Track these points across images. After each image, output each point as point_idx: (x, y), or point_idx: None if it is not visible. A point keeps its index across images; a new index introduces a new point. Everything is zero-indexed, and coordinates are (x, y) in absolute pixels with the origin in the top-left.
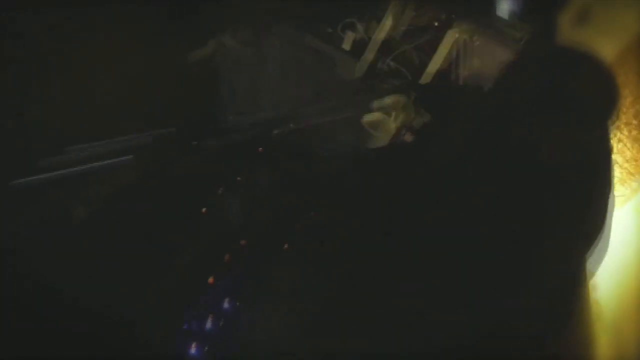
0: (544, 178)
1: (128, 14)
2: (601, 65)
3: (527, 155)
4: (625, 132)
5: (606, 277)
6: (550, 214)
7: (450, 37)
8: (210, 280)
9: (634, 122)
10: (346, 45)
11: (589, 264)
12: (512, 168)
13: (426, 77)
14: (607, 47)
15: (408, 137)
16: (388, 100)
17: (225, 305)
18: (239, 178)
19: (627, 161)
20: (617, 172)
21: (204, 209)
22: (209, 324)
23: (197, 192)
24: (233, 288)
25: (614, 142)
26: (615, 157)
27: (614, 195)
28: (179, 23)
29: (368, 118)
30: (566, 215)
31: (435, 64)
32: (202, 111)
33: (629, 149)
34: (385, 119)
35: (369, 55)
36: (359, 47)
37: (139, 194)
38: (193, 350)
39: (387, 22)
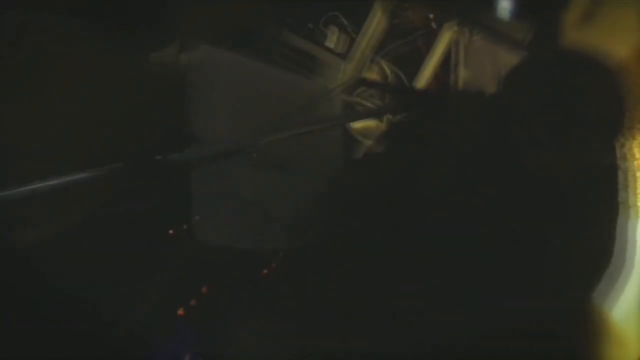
0: (547, 193)
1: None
2: (611, 69)
3: (530, 169)
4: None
5: (627, 290)
6: (553, 237)
7: (447, 37)
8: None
9: None
10: (330, 43)
11: (602, 287)
12: (513, 183)
13: (421, 79)
14: (615, 48)
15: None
16: (359, 125)
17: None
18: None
19: None
20: (633, 182)
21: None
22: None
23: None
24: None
25: (630, 150)
26: (628, 165)
27: (629, 207)
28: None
29: (357, 126)
30: (570, 240)
31: (430, 65)
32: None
33: None
34: (377, 125)
35: (357, 53)
36: (345, 45)
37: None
38: None
39: (377, 16)
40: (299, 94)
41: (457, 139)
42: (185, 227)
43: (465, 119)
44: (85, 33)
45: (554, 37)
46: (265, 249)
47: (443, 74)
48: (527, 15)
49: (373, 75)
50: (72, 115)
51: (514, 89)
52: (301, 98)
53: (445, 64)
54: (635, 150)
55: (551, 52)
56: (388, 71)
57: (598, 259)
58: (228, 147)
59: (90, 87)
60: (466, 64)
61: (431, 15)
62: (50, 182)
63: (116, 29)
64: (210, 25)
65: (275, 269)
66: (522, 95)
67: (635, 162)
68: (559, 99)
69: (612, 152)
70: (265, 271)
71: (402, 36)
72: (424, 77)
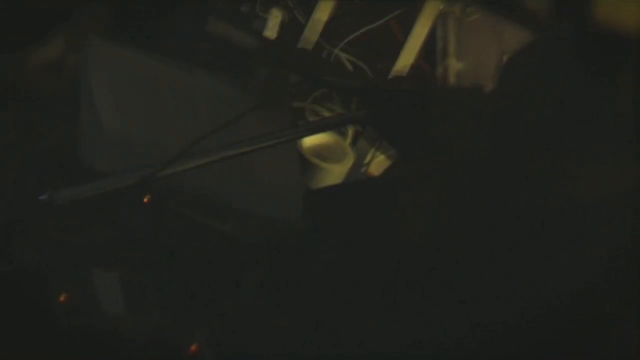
0: (567, 220)
1: None
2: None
3: (545, 188)
4: None
5: None
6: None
7: (431, 13)
8: None
9: None
10: (271, 32)
11: None
12: (520, 212)
13: (396, 73)
14: None
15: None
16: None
17: None
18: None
19: None
20: None
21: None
22: None
23: None
24: None
25: None
26: None
27: None
28: None
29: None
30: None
31: (408, 55)
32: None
33: None
34: (340, 143)
35: (307, 44)
36: (291, 34)
37: None
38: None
39: None
40: (227, 103)
41: (447, 155)
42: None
43: (458, 127)
44: None
45: (583, 10)
46: None
47: (427, 67)
48: None
49: (331, 71)
50: None
51: (524, 85)
52: (229, 108)
53: (430, 53)
54: None
55: (578, 32)
56: (350, 66)
57: None
58: (118, 181)
59: None
60: (458, 53)
61: None
62: None
63: None
64: (108, 14)
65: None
66: (536, 93)
67: None
68: (587, 98)
69: None
70: None
71: (369, 18)
72: (401, 72)
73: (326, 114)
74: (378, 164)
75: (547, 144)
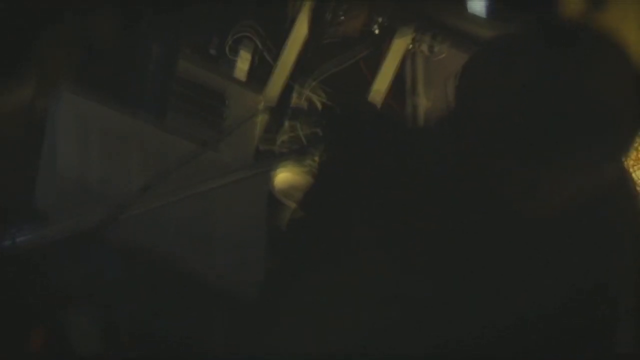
0: (544, 237)
1: None
2: (628, 56)
3: (515, 211)
4: None
5: None
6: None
7: (399, 51)
8: None
9: None
10: (240, 74)
11: None
12: (492, 230)
13: (365, 108)
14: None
15: None
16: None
17: None
18: None
19: None
20: None
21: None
22: None
23: None
24: None
25: None
26: None
27: None
28: None
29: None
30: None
31: (377, 92)
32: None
33: None
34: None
35: (277, 85)
36: (260, 74)
37: None
38: None
39: (300, 32)
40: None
41: (416, 192)
42: None
43: (428, 166)
44: None
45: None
46: None
47: (396, 103)
48: (513, 11)
49: (300, 109)
50: None
51: (487, 89)
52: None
53: (399, 88)
54: None
55: (546, 29)
56: (319, 103)
57: None
58: (78, 226)
59: None
60: (427, 91)
61: (376, 24)
62: None
63: None
64: (78, 62)
65: None
66: (500, 97)
67: None
68: (558, 101)
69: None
70: None
71: (338, 58)
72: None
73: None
74: None
75: (514, 151)
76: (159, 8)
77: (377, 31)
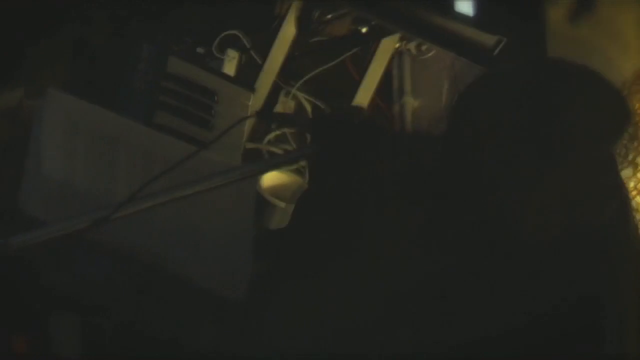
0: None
1: None
2: (609, 86)
3: (501, 230)
4: None
5: None
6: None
7: (387, 51)
8: None
9: None
10: (229, 69)
11: None
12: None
13: (352, 113)
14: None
15: None
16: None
17: None
18: None
19: None
20: None
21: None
22: None
23: None
24: None
25: None
26: None
27: None
28: None
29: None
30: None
31: (364, 93)
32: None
33: None
34: (298, 182)
35: (265, 83)
36: (249, 73)
37: None
38: None
39: (289, 32)
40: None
41: (405, 196)
42: None
43: (416, 165)
44: None
45: (535, 45)
46: None
47: (384, 105)
48: (498, 18)
49: (287, 111)
50: None
51: (478, 119)
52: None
53: (386, 91)
54: None
55: (530, 66)
56: (307, 105)
57: None
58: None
59: None
60: (414, 90)
61: (363, 28)
62: None
63: None
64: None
65: None
66: (491, 128)
67: None
68: (543, 133)
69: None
70: None
71: (325, 57)
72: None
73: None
74: None
75: (500, 181)
76: (148, 8)
77: (364, 30)
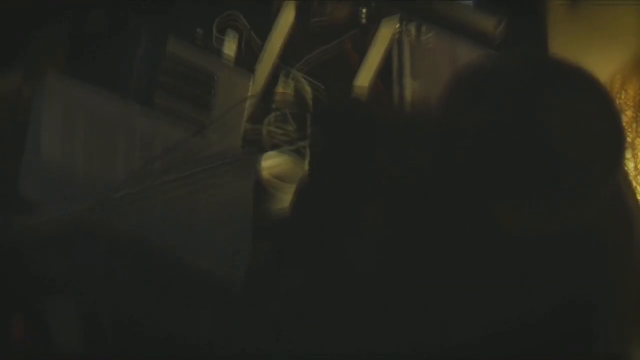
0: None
1: None
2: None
3: (494, 230)
4: None
5: None
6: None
7: (386, 37)
8: None
9: None
10: (229, 51)
11: None
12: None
13: (352, 95)
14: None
15: None
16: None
17: None
18: None
19: None
20: None
21: None
22: None
23: None
24: None
25: None
26: None
27: None
28: None
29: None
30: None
31: (364, 76)
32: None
33: None
34: (298, 165)
35: (266, 65)
36: (249, 55)
37: None
38: None
39: (288, 14)
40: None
41: (404, 181)
42: None
43: (417, 150)
44: None
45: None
46: None
47: (383, 87)
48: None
49: (287, 93)
50: None
51: (473, 108)
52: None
53: (386, 74)
54: None
55: (529, 56)
56: (308, 87)
57: None
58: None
59: None
60: (414, 72)
61: (363, 10)
62: None
63: None
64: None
65: None
66: (486, 117)
67: None
68: (542, 122)
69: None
70: None
71: (325, 39)
72: (357, 93)
73: (282, 135)
74: None
75: (495, 167)
76: None
77: (365, 14)
